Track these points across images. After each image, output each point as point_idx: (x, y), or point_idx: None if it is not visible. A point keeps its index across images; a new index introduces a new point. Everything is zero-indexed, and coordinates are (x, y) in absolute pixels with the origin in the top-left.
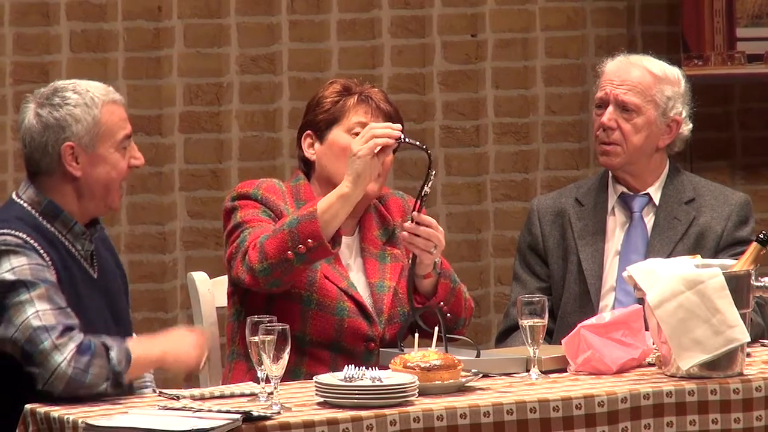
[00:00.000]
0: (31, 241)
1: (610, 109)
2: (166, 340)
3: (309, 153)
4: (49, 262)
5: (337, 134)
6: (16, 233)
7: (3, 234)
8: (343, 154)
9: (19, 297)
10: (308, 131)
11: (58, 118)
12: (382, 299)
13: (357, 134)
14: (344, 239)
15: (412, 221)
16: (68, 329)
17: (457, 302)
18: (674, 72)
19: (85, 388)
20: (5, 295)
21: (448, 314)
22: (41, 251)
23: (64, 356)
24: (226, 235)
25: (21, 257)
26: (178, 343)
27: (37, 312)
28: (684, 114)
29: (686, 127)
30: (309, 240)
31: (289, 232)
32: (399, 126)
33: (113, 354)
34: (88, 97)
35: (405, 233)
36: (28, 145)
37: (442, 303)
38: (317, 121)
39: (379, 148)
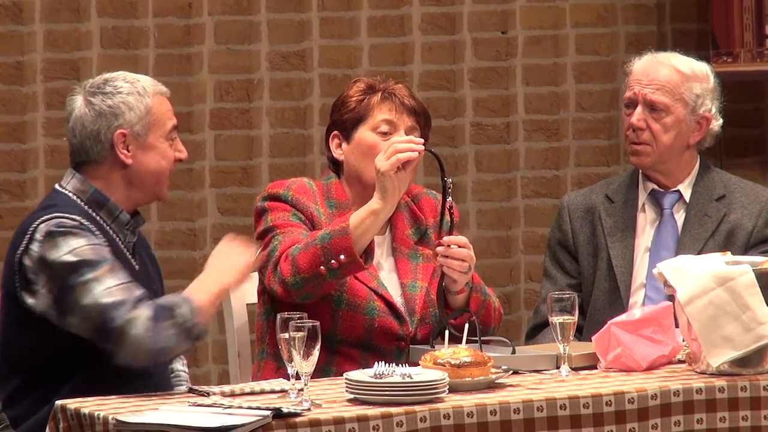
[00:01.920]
0: (87, 223)
1: (639, 109)
2: (216, 270)
3: (337, 153)
4: (105, 242)
5: (363, 133)
6: (71, 216)
7: (57, 217)
8: (370, 152)
9: (84, 277)
10: (335, 132)
11: (112, 106)
12: (415, 299)
13: (383, 132)
14: (375, 238)
15: (441, 244)
16: (138, 301)
17: (487, 314)
18: (702, 68)
19: (166, 354)
20: (68, 276)
21: (472, 319)
22: (96, 233)
23: (137, 329)
24: (257, 238)
25: (80, 238)
26: (227, 263)
27: (105, 290)
28: (713, 110)
29: (716, 123)
30: (342, 256)
31: (321, 246)
32: (421, 140)
33: (178, 312)
34: (140, 86)
35: (440, 258)
36: (79, 134)
37: (473, 317)
38: (343, 121)
39: (401, 163)
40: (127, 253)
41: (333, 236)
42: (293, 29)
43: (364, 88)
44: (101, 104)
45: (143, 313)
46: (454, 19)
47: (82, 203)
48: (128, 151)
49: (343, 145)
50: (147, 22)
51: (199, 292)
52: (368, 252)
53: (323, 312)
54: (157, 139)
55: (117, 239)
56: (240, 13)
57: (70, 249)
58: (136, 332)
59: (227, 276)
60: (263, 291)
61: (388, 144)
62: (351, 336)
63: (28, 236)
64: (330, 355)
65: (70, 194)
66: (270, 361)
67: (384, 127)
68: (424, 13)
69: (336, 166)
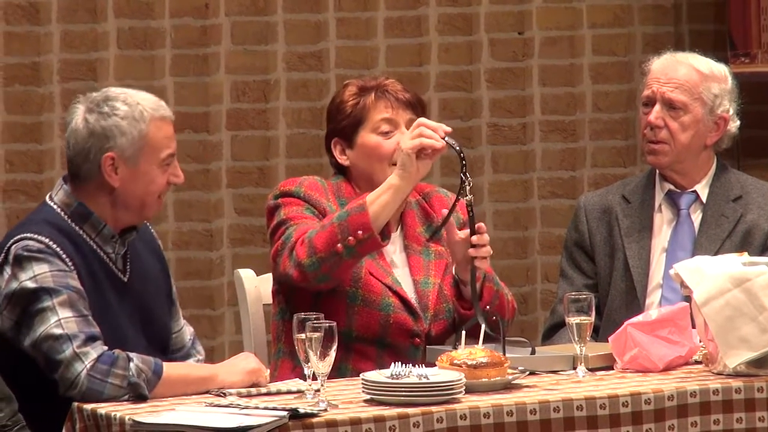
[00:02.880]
0: (54, 246)
1: (657, 107)
2: (221, 364)
3: (342, 159)
4: (72, 267)
5: (364, 137)
6: (39, 237)
7: (25, 239)
8: (376, 154)
9: (42, 304)
10: (336, 138)
11: (105, 128)
12: (428, 295)
13: (384, 133)
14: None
15: (471, 233)
16: (90, 338)
17: (500, 305)
18: (721, 69)
19: (104, 399)
20: (28, 303)
21: (494, 317)
22: (64, 256)
23: (84, 365)
24: (271, 233)
25: (43, 264)
26: (232, 366)
27: (60, 320)
28: (731, 111)
29: (734, 124)
30: (359, 231)
31: (338, 225)
32: (449, 129)
33: (132, 365)
34: (138, 111)
35: (471, 251)
36: (72, 147)
37: (488, 306)
38: (342, 128)
39: (423, 147)
40: (113, 266)
41: (350, 213)
42: (310, 30)
43: (357, 90)
44: (95, 124)
45: (92, 353)
46: (471, 20)
47: (66, 216)
48: (116, 174)
49: (347, 150)
50: (164, 22)
51: (181, 368)
52: (384, 232)
53: (338, 309)
54: (149, 166)
55: (101, 253)
56: (257, 13)
57: (32, 275)
58: (79, 369)
59: (221, 376)
60: (278, 290)
61: (416, 123)
62: (366, 333)
63: (3, 255)
64: (345, 352)
65: (56, 207)
66: (286, 360)
67: (384, 127)
68: (441, 14)
69: (341, 169)
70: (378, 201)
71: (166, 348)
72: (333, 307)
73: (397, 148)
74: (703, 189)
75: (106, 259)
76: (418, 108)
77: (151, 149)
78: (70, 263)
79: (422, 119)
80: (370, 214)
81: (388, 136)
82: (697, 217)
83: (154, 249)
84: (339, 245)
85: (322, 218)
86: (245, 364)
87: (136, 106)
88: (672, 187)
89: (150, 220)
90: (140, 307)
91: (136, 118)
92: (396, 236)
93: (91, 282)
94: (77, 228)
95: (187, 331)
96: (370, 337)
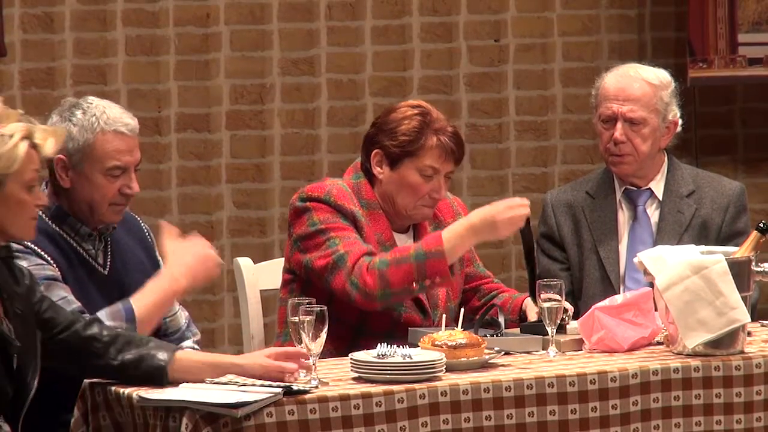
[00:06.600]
0: (33, 246)
1: (620, 126)
2: (171, 269)
3: (376, 170)
4: (50, 260)
5: (408, 170)
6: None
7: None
8: (412, 190)
9: None
10: (379, 151)
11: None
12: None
13: (427, 176)
14: (400, 236)
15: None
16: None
17: None
18: (664, 75)
19: None
20: None
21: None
22: (42, 253)
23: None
24: (304, 236)
25: (22, 261)
26: (184, 264)
27: None
28: (678, 113)
29: (680, 124)
30: (437, 277)
31: (416, 265)
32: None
33: (103, 323)
34: (90, 121)
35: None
36: None
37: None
38: (391, 151)
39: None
40: (93, 261)
41: (428, 257)
42: (303, 37)
43: (418, 126)
44: (55, 125)
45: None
46: (451, 28)
47: (47, 218)
48: (66, 176)
49: (385, 167)
50: (168, 30)
51: (145, 298)
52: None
53: (352, 307)
54: (93, 173)
55: (80, 249)
56: (254, 22)
57: None
58: None
59: (185, 279)
60: (292, 280)
61: (526, 215)
62: (378, 329)
63: None
64: (352, 345)
65: (39, 211)
66: (291, 343)
67: (429, 172)
68: (423, 23)
69: (368, 173)
70: (455, 250)
71: (158, 329)
72: (347, 306)
73: (498, 218)
74: (657, 185)
75: (86, 255)
76: (459, 161)
77: (97, 158)
78: (49, 258)
79: (528, 209)
80: (449, 262)
81: (429, 179)
82: (653, 212)
83: (142, 240)
84: (414, 284)
85: (352, 224)
86: (193, 251)
87: (92, 116)
88: (628, 186)
89: (111, 224)
90: (123, 296)
91: (86, 127)
92: (407, 237)
93: (71, 275)
94: (58, 228)
95: (182, 315)
96: (381, 333)
